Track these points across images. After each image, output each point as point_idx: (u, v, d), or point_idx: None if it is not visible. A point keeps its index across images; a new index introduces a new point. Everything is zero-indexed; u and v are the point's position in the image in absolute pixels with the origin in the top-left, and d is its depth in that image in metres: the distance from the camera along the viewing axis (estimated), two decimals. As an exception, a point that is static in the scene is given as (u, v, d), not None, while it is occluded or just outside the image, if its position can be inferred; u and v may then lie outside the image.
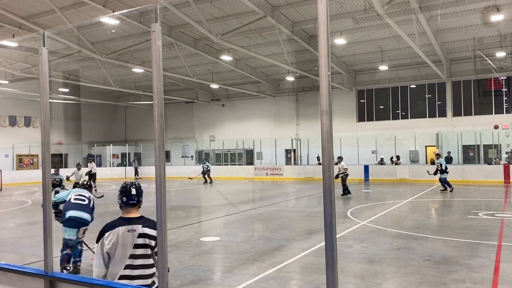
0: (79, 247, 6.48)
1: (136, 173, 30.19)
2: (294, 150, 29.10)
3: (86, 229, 6.47)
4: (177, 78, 25.08)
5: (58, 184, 14.15)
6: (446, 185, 16.97)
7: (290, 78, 26.93)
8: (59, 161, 29.55)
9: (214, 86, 28.60)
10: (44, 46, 3.47)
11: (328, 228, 2.35)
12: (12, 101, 28.31)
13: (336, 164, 16.20)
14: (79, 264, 6.49)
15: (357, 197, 16.36)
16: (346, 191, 16.18)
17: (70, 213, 6.27)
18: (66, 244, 6.29)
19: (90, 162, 21.63)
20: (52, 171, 14.75)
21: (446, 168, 17.14)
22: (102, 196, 13.47)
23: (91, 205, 6.53)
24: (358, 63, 25.72)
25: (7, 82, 24.51)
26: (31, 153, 29.41)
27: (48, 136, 3.46)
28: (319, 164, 25.17)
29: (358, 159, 26.28)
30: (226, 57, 22.30)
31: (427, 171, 18.25)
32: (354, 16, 17.03)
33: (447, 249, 7.58)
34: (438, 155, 18.13)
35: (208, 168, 24.89)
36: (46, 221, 3.58)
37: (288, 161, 29.66)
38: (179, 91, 31.01)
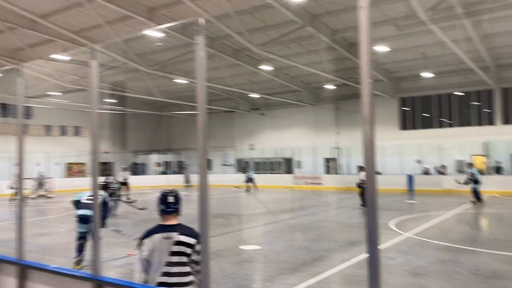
0: (85, 244, 7.43)
1: (187, 180, 30.71)
2: (334, 159, 28.74)
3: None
4: (218, 88, 25.50)
5: (113, 193, 14.32)
6: (476, 197, 16.10)
7: (330, 86, 26.70)
8: (105, 169, 30.70)
9: (254, 95, 28.83)
10: (94, 59, 3.66)
11: (371, 239, 2.32)
12: (63, 112, 29.73)
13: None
14: (79, 260, 7.48)
15: (400, 208, 15.91)
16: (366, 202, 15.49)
17: (80, 212, 7.55)
18: (79, 236, 7.60)
19: (124, 171, 22.26)
20: (111, 178, 15.21)
21: (480, 178, 16.37)
22: (145, 208, 13.68)
23: (102, 204, 7.43)
24: (400, 70, 25.15)
25: (58, 94, 25.79)
26: (79, 161, 30.69)
27: (97, 145, 3.62)
28: (360, 173, 24.67)
29: (401, 168, 25.58)
30: (266, 67, 22.45)
31: (455, 180, 17.54)
32: (396, 23, 16.72)
33: (497, 263, 7.23)
34: (470, 164, 17.35)
35: (251, 176, 25.20)
36: (94, 227, 3.74)
37: (327, 170, 29.31)
38: (220, 101, 31.48)
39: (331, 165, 29.03)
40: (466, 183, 16.43)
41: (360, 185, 15.77)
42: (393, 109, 27.28)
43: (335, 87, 26.90)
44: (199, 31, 3.02)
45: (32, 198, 21.10)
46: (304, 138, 30.37)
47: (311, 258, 7.84)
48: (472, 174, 16.32)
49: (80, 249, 7.51)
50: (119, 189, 14.44)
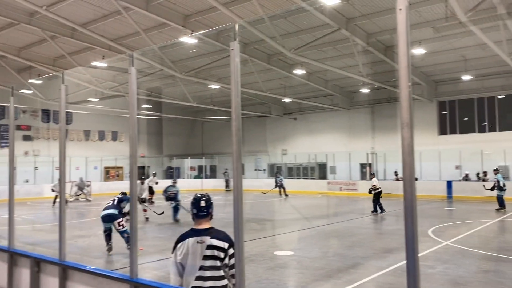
0: (125, 235, 9.05)
1: (227, 185, 30.90)
2: (370, 164, 28.20)
3: (121, 220, 9.18)
4: (251, 93, 25.62)
5: (174, 197, 14.30)
6: (500, 203, 16.12)
7: (365, 90, 26.28)
8: (141, 173, 31.38)
9: (287, 100, 28.75)
10: (132, 66, 3.75)
11: (410, 246, 2.25)
12: (101, 117, 30.69)
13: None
14: (109, 247, 9.32)
15: (439, 215, 15.43)
16: (375, 208, 16.00)
17: (101, 213, 9.46)
18: (104, 230, 9.40)
19: (154, 176, 22.67)
20: (170, 182, 15.62)
21: (504, 185, 16.26)
22: (163, 212, 14.15)
23: (115, 202, 9.48)
24: (439, 73, 24.45)
25: (97, 99, 26.66)
26: (117, 165, 31.56)
27: (136, 149, 3.71)
28: (397, 179, 24.10)
29: (440, 174, 24.80)
30: (299, 71, 22.36)
31: (483, 185, 17.56)
32: (434, 25, 16.29)
33: (545, 275, 6.86)
34: (496, 170, 17.04)
35: (281, 182, 25.10)
36: (132, 230, 3.82)
37: (363, 176, 28.79)
38: (252, 106, 31.60)
39: (366, 170, 28.49)
40: (492, 189, 16.41)
41: (371, 191, 16.36)
42: (431, 113, 26.53)
43: (370, 91, 26.48)
44: (234, 37, 3.04)
45: (71, 201, 21.83)
46: (339, 143, 29.97)
47: (346, 265, 7.71)
48: (498, 181, 16.28)
49: (108, 239, 9.38)
50: (177, 194, 14.54)
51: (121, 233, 9.10)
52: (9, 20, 16.64)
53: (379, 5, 15.12)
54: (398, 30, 2.24)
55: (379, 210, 15.94)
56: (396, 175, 24.70)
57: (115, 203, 9.43)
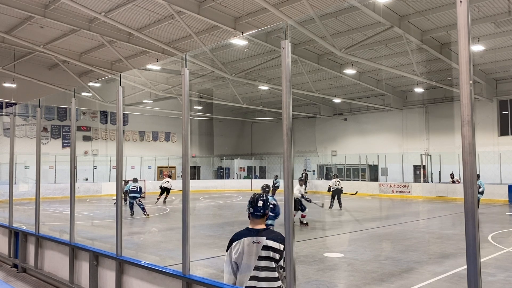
0: (133, 207, 15.70)
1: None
2: (424, 166, 27.17)
3: (140, 199, 15.51)
4: (300, 93, 25.48)
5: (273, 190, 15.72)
6: None
7: (419, 90, 25.35)
8: (193, 172, 32.11)
9: (337, 100, 28.33)
10: (185, 67, 3.85)
11: (471, 251, 2.15)
12: (155, 118, 31.76)
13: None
14: (132, 213, 15.64)
15: (500, 221, 14.59)
16: (331, 204, 18.54)
17: (131, 195, 15.47)
18: (130, 203, 15.64)
19: (167, 176, 22.94)
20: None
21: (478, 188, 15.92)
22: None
23: (138, 189, 15.52)
24: (499, 70, 23.11)
25: (151, 101, 27.61)
26: (169, 165, 32.53)
27: (188, 148, 3.80)
28: (453, 182, 23.05)
29: (500, 177, 23.41)
30: (350, 71, 21.96)
31: None
32: (495, 20, 15.42)
33: None
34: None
35: (277, 185, 24.36)
36: (185, 227, 3.92)
37: (417, 178, 27.78)
38: (302, 107, 31.43)
39: (420, 172, 27.48)
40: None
41: (329, 189, 18.84)
42: (491, 113, 25.13)
43: (424, 90, 25.52)
44: (285, 36, 3.04)
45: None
46: (391, 144, 29.13)
47: (400, 270, 7.47)
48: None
49: (131, 208, 15.62)
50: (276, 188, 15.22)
51: (139, 205, 15.25)
52: (71, 27, 17.63)
53: (434, 1, 14.54)
54: (459, 24, 2.14)
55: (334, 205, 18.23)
56: (452, 177, 23.63)
57: (138, 189, 15.48)
